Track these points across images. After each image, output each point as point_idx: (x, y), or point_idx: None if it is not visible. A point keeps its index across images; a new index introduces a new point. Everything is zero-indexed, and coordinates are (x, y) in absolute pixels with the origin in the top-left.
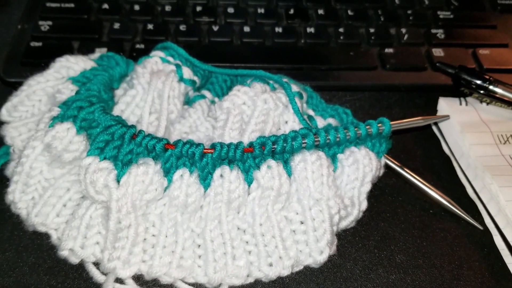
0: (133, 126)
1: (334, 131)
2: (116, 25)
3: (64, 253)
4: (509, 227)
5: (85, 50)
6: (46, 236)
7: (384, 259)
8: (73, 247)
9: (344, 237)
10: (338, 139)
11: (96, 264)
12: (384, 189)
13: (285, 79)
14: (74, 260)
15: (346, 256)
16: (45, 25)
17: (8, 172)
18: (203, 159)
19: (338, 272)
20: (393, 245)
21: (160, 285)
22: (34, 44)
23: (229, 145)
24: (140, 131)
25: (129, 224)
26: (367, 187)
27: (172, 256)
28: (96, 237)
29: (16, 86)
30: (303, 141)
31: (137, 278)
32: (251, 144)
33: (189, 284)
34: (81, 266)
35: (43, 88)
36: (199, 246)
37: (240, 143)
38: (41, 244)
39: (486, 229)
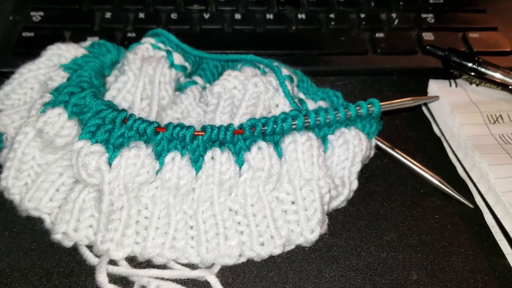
0: (124, 110)
1: (324, 112)
2: (108, 15)
3: (57, 236)
4: (499, 204)
5: (77, 39)
6: (39, 221)
7: (375, 237)
8: (67, 230)
9: (335, 217)
10: (328, 120)
11: (90, 247)
12: (376, 170)
13: (275, 63)
14: (68, 243)
15: (337, 235)
16: (37, 15)
17: (1, 159)
18: (194, 141)
19: (330, 251)
20: (384, 224)
21: (153, 266)
22: (26, 34)
23: (219, 127)
24: (131, 115)
25: (121, 206)
26: (357, 167)
27: (165, 237)
28: (89, 220)
29: (8, 76)
30: (293, 123)
31: (131, 260)
32: (241, 126)
33: (182, 265)
34: (74, 249)
35: (35, 76)
36: (192, 227)
37: (230, 125)
38: (34, 229)
39: (476, 207)
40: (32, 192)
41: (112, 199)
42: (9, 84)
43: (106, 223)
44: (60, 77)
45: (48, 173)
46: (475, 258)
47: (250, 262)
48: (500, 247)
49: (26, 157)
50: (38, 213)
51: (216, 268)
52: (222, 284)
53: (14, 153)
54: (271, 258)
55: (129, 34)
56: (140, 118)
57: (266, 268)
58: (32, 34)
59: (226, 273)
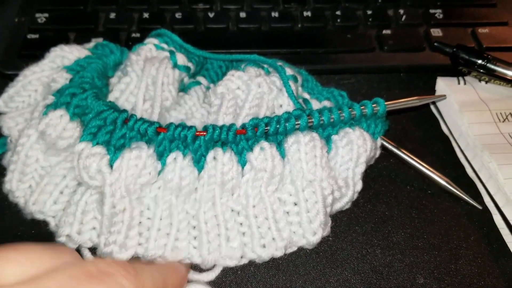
0: (125, 111)
1: (328, 112)
2: (112, 15)
3: (61, 239)
4: (509, 205)
5: (82, 40)
6: (44, 224)
7: (381, 240)
8: (70, 233)
9: (340, 219)
10: (332, 120)
11: (94, 249)
12: (382, 171)
13: (279, 63)
14: (72, 246)
15: (342, 238)
16: (41, 17)
17: (5, 162)
18: (196, 141)
19: (335, 253)
20: (391, 226)
21: None
22: (31, 36)
23: (221, 127)
24: (132, 115)
25: (123, 208)
26: (362, 168)
27: (167, 238)
28: (92, 222)
29: (13, 78)
30: (296, 122)
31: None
32: (243, 126)
33: None
34: (78, 251)
35: (38, 78)
36: (194, 227)
37: (232, 125)
38: (39, 232)
39: (485, 208)
40: (36, 195)
41: (114, 202)
42: (13, 86)
43: (108, 226)
44: (63, 79)
45: (52, 176)
46: (483, 260)
47: (253, 266)
48: (509, 249)
49: (30, 160)
50: (43, 216)
51: (218, 270)
52: None
53: (18, 156)
54: (275, 261)
55: (133, 35)
56: (141, 119)
57: (270, 272)
58: (37, 36)
59: (230, 278)
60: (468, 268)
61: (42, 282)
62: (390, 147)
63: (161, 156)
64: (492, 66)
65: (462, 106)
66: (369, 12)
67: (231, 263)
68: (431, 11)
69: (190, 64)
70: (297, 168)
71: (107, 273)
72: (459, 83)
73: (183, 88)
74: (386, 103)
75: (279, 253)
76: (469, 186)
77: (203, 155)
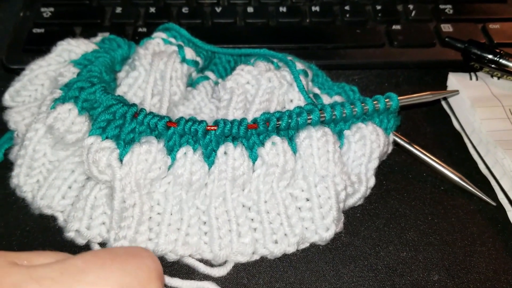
0: (134, 105)
1: (340, 107)
2: (118, 10)
3: (70, 234)
4: None
5: (88, 35)
6: (52, 219)
7: (394, 236)
8: (79, 228)
9: (353, 215)
10: (344, 115)
11: (103, 244)
12: (394, 167)
13: (289, 57)
14: (81, 241)
15: (355, 234)
16: (47, 11)
17: (12, 156)
18: (207, 136)
19: (347, 250)
20: (404, 222)
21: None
22: (36, 30)
23: (232, 121)
24: (142, 109)
25: (133, 203)
26: (375, 163)
27: (178, 233)
28: (102, 217)
29: (18, 72)
30: (308, 117)
31: None
32: (255, 121)
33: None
34: (87, 247)
35: (45, 72)
36: (205, 223)
37: (243, 119)
38: (47, 227)
39: (499, 205)
40: (44, 190)
41: (124, 196)
42: (20, 81)
43: (118, 221)
44: (70, 73)
45: (60, 170)
46: (498, 257)
47: (265, 262)
48: None
49: (37, 154)
50: (51, 211)
51: (229, 266)
52: (237, 285)
53: (25, 150)
54: (287, 257)
55: (140, 29)
56: (151, 113)
57: (282, 269)
58: (42, 30)
59: (241, 274)
60: (483, 265)
61: (68, 261)
62: (402, 142)
63: (171, 150)
64: (505, 62)
65: (474, 102)
66: (378, 7)
67: (243, 259)
68: (441, 6)
69: (198, 59)
70: (309, 164)
71: (133, 254)
72: (471, 79)
73: (191, 83)
74: (399, 98)
75: (291, 249)
76: (482, 183)
77: (213, 150)
